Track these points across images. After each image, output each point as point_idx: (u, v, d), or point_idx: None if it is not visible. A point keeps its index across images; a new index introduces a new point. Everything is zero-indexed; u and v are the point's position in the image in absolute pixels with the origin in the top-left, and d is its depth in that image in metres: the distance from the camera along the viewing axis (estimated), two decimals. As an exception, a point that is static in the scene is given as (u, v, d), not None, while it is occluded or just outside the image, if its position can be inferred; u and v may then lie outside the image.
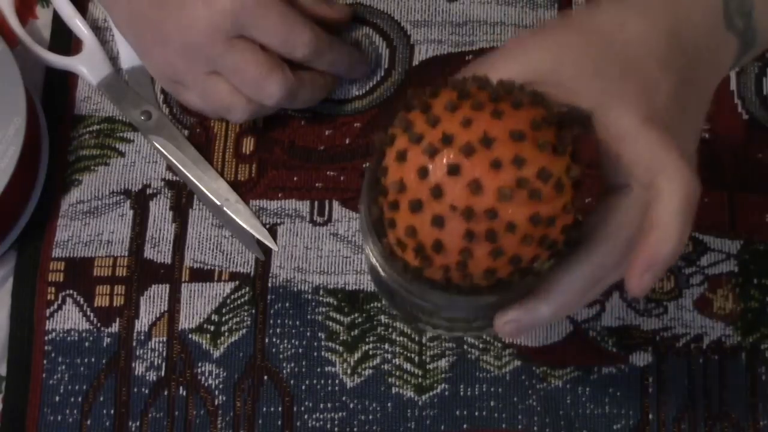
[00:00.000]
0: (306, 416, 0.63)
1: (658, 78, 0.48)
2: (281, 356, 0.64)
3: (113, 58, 0.71)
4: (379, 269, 0.48)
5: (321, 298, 0.65)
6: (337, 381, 0.64)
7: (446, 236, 0.44)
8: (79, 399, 0.64)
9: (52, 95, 0.70)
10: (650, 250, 0.45)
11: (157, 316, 0.65)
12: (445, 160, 0.43)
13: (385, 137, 0.45)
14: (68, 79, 0.70)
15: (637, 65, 0.48)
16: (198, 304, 0.65)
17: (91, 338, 0.65)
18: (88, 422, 0.63)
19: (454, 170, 0.43)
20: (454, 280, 0.46)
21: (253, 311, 0.65)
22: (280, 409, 0.63)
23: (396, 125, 0.45)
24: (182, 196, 0.68)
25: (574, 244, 0.47)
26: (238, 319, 0.65)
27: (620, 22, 0.49)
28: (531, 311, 0.48)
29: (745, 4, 0.51)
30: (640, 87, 0.47)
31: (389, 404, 0.63)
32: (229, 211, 0.67)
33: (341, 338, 0.64)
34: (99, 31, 0.71)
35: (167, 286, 0.66)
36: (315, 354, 0.64)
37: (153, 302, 0.65)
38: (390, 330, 0.64)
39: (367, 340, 0.64)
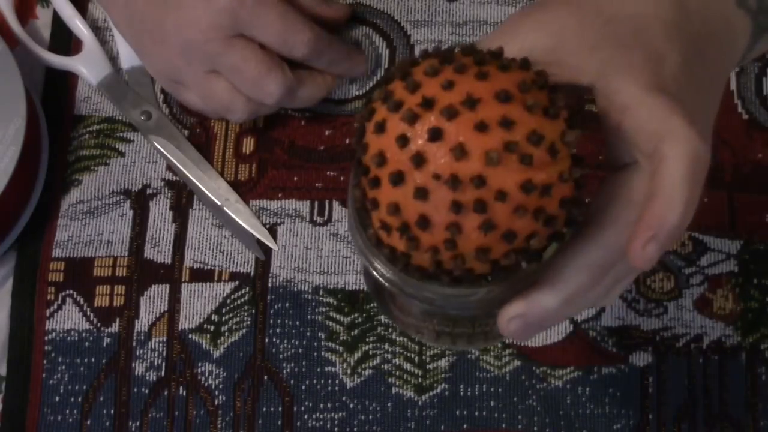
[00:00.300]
0: (306, 416, 0.63)
1: (664, 49, 0.45)
2: (281, 356, 0.64)
3: (113, 58, 0.71)
4: (372, 270, 0.45)
5: (321, 298, 0.65)
6: (337, 381, 0.64)
7: (431, 209, 0.40)
8: (79, 399, 0.64)
9: (52, 95, 0.70)
10: (654, 217, 0.41)
11: (157, 316, 0.65)
12: (426, 125, 0.40)
13: (365, 113, 0.42)
14: (68, 79, 0.70)
15: (642, 37, 0.45)
16: (198, 304, 0.65)
17: (91, 338, 0.65)
18: (88, 422, 0.63)
19: (435, 135, 0.40)
20: (445, 264, 0.41)
21: (253, 311, 0.65)
22: (280, 409, 0.63)
23: (375, 98, 0.42)
24: (182, 196, 0.68)
25: (579, 225, 0.43)
26: (238, 319, 0.65)
27: None
28: (536, 303, 0.44)
29: None
30: (645, 57, 0.44)
31: (389, 404, 0.63)
32: (229, 211, 0.67)
33: (341, 338, 0.64)
34: (99, 31, 0.71)
35: (167, 286, 0.66)
36: (315, 354, 0.64)
37: (153, 302, 0.65)
38: (390, 330, 0.64)
39: (367, 340, 0.64)
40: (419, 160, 0.40)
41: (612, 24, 0.45)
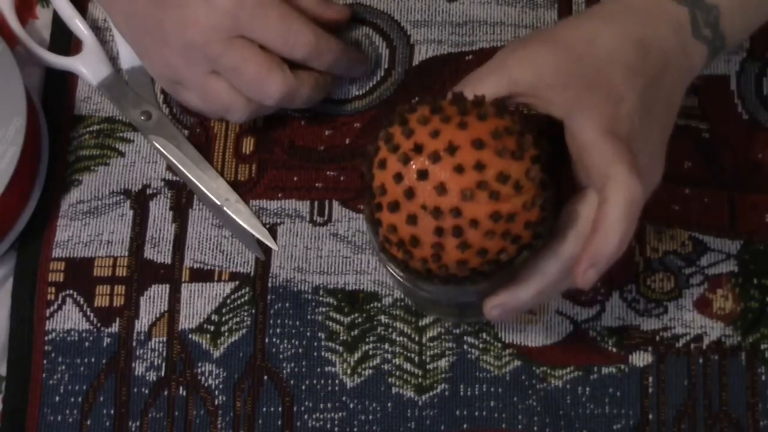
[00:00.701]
0: (306, 416, 0.63)
1: (623, 89, 0.54)
2: (281, 356, 0.64)
3: (113, 59, 0.71)
4: (387, 268, 0.55)
5: (321, 298, 0.65)
6: (337, 381, 0.64)
7: (420, 232, 0.50)
8: (79, 399, 0.64)
9: (52, 95, 0.70)
10: (594, 249, 0.52)
11: (157, 316, 0.65)
12: (415, 166, 0.50)
13: (373, 149, 0.52)
14: (68, 79, 0.70)
15: (605, 77, 0.54)
16: (198, 304, 0.65)
17: (91, 338, 0.65)
18: (88, 422, 0.63)
19: (423, 175, 0.50)
20: (434, 271, 0.52)
21: (253, 311, 0.65)
22: (280, 409, 0.63)
23: (380, 138, 0.52)
24: (182, 196, 0.68)
25: (546, 237, 0.53)
26: (238, 319, 0.65)
27: (592, 37, 0.55)
28: (512, 295, 0.54)
29: (711, 15, 0.56)
30: (605, 98, 0.53)
31: (389, 404, 0.63)
32: (229, 211, 0.67)
33: (341, 338, 0.64)
34: (99, 31, 0.71)
35: (167, 286, 0.66)
36: (315, 354, 0.64)
37: (153, 302, 0.65)
38: (390, 330, 0.64)
39: (367, 340, 0.64)
40: (410, 193, 0.50)
41: (581, 64, 0.54)
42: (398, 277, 0.55)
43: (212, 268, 0.66)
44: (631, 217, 0.52)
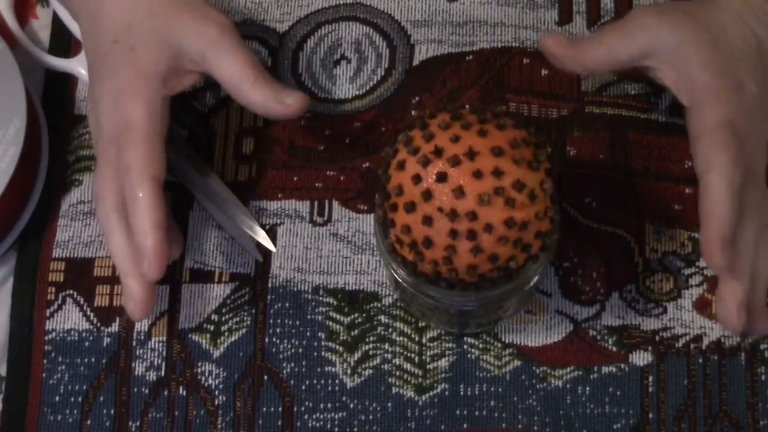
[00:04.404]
0: (306, 416, 0.63)
1: (745, 81, 0.57)
2: (281, 356, 0.64)
3: (113, 59, 0.71)
4: (391, 270, 0.56)
5: (321, 298, 0.65)
6: (337, 381, 0.64)
7: (434, 234, 0.51)
8: (79, 399, 0.64)
9: (52, 95, 0.70)
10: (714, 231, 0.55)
11: (157, 316, 0.65)
12: (435, 169, 0.51)
13: (391, 151, 0.53)
14: (68, 79, 0.70)
15: (734, 66, 0.57)
16: (198, 304, 0.65)
17: (91, 338, 0.65)
18: (88, 422, 0.63)
19: (441, 177, 0.51)
20: (443, 274, 0.52)
21: (253, 311, 0.65)
22: (280, 409, 0.63)
23: (399, 140, 0.53)
24: (182, 197, 0.67)
25: (552, 251, 0.55)
26: (238, 318, 0.65)
27: (723, 26, 0.58)
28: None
29: None
30: (732, 88, 0.57)
31: (389, 404, 0.63)
32: (227, 213, 0.67)
33: (341, 338, 0.64)
34: (99, 31, 0.71)
35: (167, 286, 0.66)
36: (315, 354, 0.64)
37: (153, 302, 0.65)
38: (390, 330, 0.64)
39: (367, 340, 0.64)
40: (428, 195, 0.51)
41: (718, 49, 0.58)
42: (402, 282, 0.56)
43: (212, 269, 0.66)
44: (731, 200, 0.55)
